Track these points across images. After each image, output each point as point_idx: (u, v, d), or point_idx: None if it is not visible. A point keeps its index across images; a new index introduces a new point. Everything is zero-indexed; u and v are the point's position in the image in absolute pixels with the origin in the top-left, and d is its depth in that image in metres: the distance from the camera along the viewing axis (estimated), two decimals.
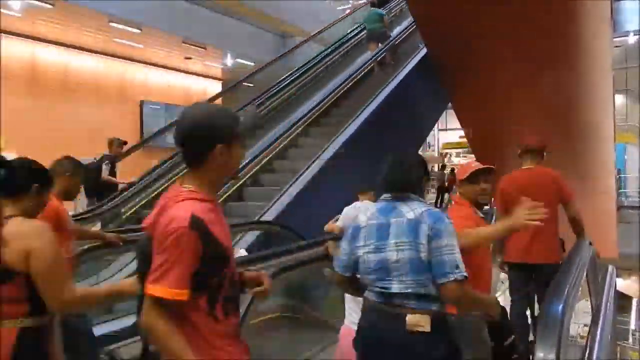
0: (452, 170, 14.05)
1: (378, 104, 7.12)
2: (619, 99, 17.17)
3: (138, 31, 12.48)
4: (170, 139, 14.27)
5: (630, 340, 11.64)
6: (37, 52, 12.78)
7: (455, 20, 6.43)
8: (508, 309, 3.10)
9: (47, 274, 1.62)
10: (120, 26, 12.08)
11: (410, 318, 1.74)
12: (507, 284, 3.84)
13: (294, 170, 6.03)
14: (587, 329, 3.10)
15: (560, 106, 7.66)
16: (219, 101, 12.18)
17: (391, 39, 9.07)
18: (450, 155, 19.39)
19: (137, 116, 15.24)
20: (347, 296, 2.53)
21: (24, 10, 10.97)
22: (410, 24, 9.34)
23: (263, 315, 3.46)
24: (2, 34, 11.38)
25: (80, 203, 7.09)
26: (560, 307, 1.88)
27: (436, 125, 15.37)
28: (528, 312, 3.53)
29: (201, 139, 1.35)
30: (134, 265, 5.01)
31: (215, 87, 17.06)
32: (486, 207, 3.84)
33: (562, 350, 1.68)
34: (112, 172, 6.31)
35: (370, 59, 8.62)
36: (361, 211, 2.01)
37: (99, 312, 4.27)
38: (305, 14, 15.39)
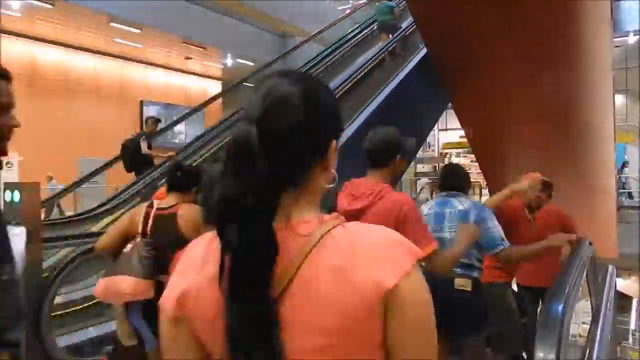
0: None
1: (378, 104, 7.13)
2: (619, 99, 17.17)
3: (138, 31, 12.49)
4: (170, 138, 14.35)
5: (630, 340, 11.63)
6: (37, 52, 12.79)
7: (455, 20, 6.43)
8: None
9: None
10: (120, 26, 12.09)
11: (458, 280, 2.37)
12: None
13: None
14: (587, 328, 3.10)
15: (560, 106, 7.65)
16: (218, 101, 12.21)
17: (401, 30, 9.30)
18: (450, 155, 19.36)
19: (137, 116, 15.25)
20: None
21: (24, 10, 10.98)
22: None
23: None
24: (2, 33, 11.38)
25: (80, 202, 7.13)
26: (561, 307, 1.87)
27: (436, 125, 15.37)
28: None
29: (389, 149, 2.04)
30: None
31: (215, 87, 17.07)
32: None
33: (562, 350, 1.68)
34: (148, 148, 6.65)
35: (382, 49, 8.97)
36: (423, 205, 2.72)
37: (100, 312, 4.28)
38: (305, 14, 15.39)
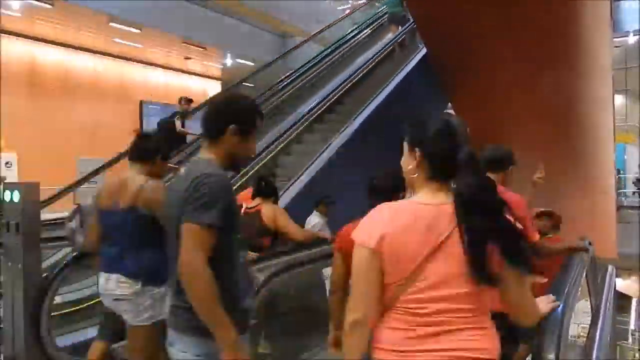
0: None
1: (377, 104, 7.13)
2: (619, 99, 17.17)
3: (138, 31, 12.47)
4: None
5: (630, 340, 11.62)
6: (37, 52, 12.77)
7: (455, 20, 6.43)
8: None
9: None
10: (120, 26, 12.07)
11: None
12: None
13: (294, 172, 6.06)
14: (586, 328, 3.10)
15: (560, 106, 7.66)
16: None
17: (410, 22, 9.40)
18: None
19: (137, 116, 15.23)
20: None
21: (24, 10, 10.97)
22: None
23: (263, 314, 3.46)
24: (2, 33, 11.38)
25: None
26: (561, 307, 1.87)
27: None
28: None
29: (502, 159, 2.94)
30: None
31: (215, 87, 17.06)
32: None
33: (562, 350, 1.68)
34: (182, 126, 7.10)
35: (391, 40, 9.44)
36: None
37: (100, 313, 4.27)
38: (305, 14, 15.38)
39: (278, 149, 6.82)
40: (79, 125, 13.32)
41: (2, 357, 2.94)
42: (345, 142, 6.32)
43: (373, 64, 8.86)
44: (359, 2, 16.20)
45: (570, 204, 7.45)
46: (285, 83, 8.81)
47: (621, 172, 16.68)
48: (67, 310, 4.07)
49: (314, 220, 4.84)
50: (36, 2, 10.47)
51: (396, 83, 7.65)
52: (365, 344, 1.28)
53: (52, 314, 3.07)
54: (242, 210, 3.17)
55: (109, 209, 2.42)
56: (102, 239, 2.48)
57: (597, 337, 2.50)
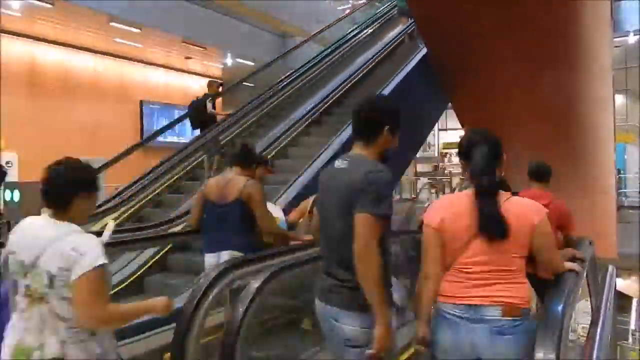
0: None
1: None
2: (619, 99, 17.16)
3: (138, 31, 12.47)
4: (170, 138, 14.28)
5: (630, 340, 11.61)
6: (37, 52, 12.77)
7: (456, 20, 6.43)
8: None
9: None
10: (120, 26, 12.07)
11: None
12: None
13: (294, 171, 6.05)
14: (587, 328, 3.10)
15: (560, 106, 7.65)
16: (219, 100, 12.20)
17: None
18: (451, 155, 19.35)
19: (137, 116, 15.23)
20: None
21: (24, 10, 10.96)
22: None
23: (262, 314, 3.46)
24: (2, 33, 11.37)
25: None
26: (561, 307, 1.87)
27: (436, 125, 15.36)
28: None
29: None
30: (132, 266, 5.01)
31: None
32: None
33: (562, 350, 1.68)
34: (213, 107, 7.65)
35: (401, 31, 10.03)
36: None
37: None
38: (305, 13, 15.38)
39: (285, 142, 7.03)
40: (79, 125, 13.32)
41: None
42: (344, 142, 6.31)
43: (382, 56, 9.28)
44: (360, 1, 16.19)
45: (570, 204, 7.43)
46: (285, 83, 8.82)
47: (621, 172, 16.67)
48: None
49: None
50: (36, 2, 10.47)
51: (396, 83, 7.65)
52: (433, 293, 1.92)
53: None
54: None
55: (218, 202, 3.16)
56: (209, 225, 3.21)
57: (598, 337, 2.50)
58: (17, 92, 11.96)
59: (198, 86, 16.92)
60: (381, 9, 12.06)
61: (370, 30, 11.19)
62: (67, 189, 1.80)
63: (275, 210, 3.64)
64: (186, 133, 15.43)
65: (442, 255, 1.90)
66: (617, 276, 4.56)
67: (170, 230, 4.58)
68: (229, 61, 15.45)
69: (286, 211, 4.09)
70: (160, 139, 10.41)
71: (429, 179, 16.74)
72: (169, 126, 9.92)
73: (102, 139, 13.42)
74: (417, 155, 14.52)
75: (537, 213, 1.88)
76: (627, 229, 11.75)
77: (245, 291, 2.34)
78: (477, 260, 1.85)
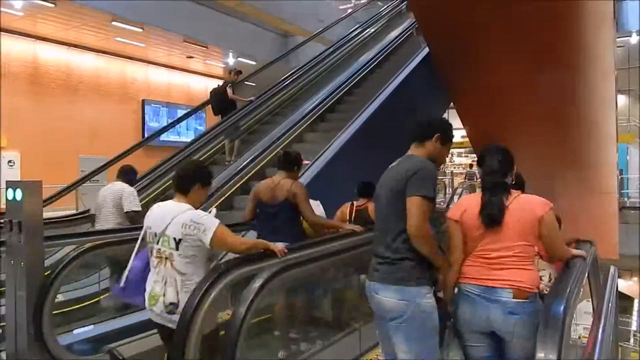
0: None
1: (379, 103, 7.12)
2: (621, 99, 17.11)
3: (140, 30, 12.48)
4: (170, 137, 14.29)
5: (632, 341, 11.61)
6: (39, 51, 12.80)
7: (457, 21, 6.42)
8: None
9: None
10: (122, 25, 12.08)
11: None
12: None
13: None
14: (588, 329, 3.09)
15: (562, 106, 7.64)
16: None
17: None
18: (452, 155, 19.33)
19: (139, 115, 15.26)
20: None
21: (26, 9, 10.98)
22: None
23: (263, 314, 3.47)
24: (4, 32, 11.39)
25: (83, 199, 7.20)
26: (562, 307, 1.87)
27: None
28: None
29: None
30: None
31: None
32: None
33: (563, 351, 1.68)
34: (233, 93, 7.92)
35: (410, 25, 10.56)
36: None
37: (101, 311, 4.28)
38: (307, 13, 15.38)
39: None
40: (81, 123, 13.35)
41: (4, 355, 2.95)
42: (345, 142, 6.32)
43: (389, 50, 9.67)
44: (361, 1, 16.18)
45: (571, 204, 7.43)
46: (289, 81, 8.91)
47: (623, 172, 16.63)
48: (69, 308, 4.08)
49: None
50: (38, 1, 10.49)
51: (397, 84, 7.65)
52: (456, 276, 2.26)
53: (54, 312, 3.08)
54: (354, 208, 4.38)
55: (270, 202, 3.73)
56: (262, 220, 3.77)
57: (599, 338, 2.50)
58: (19, 91, 11.99)
59: (200, 85, 16.97)
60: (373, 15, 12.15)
61: (373, 30, 11.22)
62: (188, 180, 2.47)
63: (315, 205, 4.07)
64: (187, 132, 15.49)
65: (463, 243, 2.27)
66: (619, 277, 4.55)
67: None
68: (230, 60, 15.46)
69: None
70: (162, 137, 10.43)
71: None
72: (171, 125, 9.95)
73: (104, 137, 13.44)
74: None
75: (542, 207, 2.20)
76: (629, 229, 11.73)
77: (247, 289, 2.34)
78: (493, 247, 2.19)
